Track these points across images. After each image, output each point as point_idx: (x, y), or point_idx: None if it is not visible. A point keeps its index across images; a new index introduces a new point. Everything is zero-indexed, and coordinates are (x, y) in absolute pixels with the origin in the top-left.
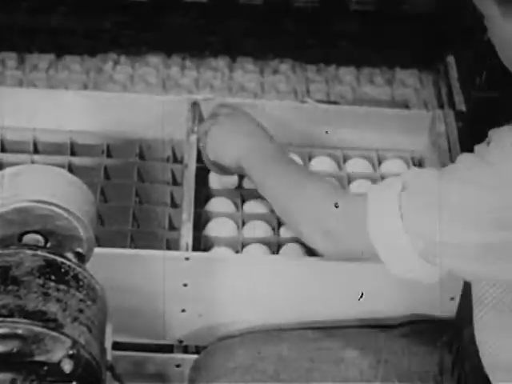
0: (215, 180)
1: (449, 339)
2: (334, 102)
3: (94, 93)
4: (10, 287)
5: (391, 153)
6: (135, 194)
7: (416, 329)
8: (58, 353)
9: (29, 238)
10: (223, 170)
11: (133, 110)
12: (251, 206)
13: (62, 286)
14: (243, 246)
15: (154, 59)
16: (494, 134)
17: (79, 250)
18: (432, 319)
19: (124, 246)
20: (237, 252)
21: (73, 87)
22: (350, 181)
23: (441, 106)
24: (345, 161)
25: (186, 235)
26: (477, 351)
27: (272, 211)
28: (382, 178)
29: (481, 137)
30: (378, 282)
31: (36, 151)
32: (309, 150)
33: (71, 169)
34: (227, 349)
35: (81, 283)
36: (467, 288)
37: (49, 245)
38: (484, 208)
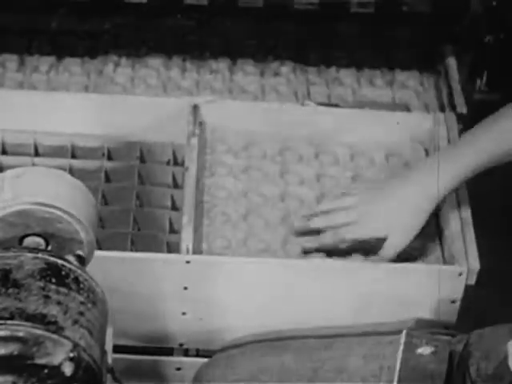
0: None
1: (452, 344)
2: (335, 105)
3: (94, 95)
4: (11, 290)
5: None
6: (136, 196)
7: (418, 334)
8: (59, 356)
9: (29, 241)
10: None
11: (133, 112)
12: None
13: (62, 289)
14: None
15: (155, 61)
16: None
17: (80, 252)
18: (433, 324)
19: (125, 249)
20: None
21: (73, 89)
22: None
23: (441, 108)
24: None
25: (187, 238)
26: (480, 355)
27: None
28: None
29: None
30: (379, 285)
31: (37, 154)
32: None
33: (72, 172)
34: (229, 360)
35: (81, 286)
36: (468, 291)
37: (49, 247)
38: None
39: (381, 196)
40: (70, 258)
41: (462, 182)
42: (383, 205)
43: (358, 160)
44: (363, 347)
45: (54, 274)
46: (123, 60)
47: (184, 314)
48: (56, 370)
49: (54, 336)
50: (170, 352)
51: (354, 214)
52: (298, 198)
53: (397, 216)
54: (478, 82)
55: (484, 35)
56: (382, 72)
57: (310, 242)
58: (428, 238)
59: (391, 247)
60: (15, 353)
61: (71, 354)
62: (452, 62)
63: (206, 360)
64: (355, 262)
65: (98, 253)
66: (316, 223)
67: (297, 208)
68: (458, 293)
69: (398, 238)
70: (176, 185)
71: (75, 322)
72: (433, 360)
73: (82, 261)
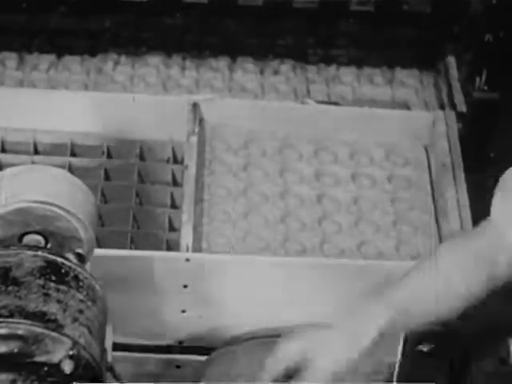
0: None
1: (452, 341)
2: (335, 103)
3: (94, 93)
4: (11, 288)
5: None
6: (135, 194)
7: (419, 331)
8: (59, 353)
9: (29, 239)
10: None
11: (133, 110)
12: None
13: (62, 287)
14: None
15: (154, 59)
16: None
17: (79, 250)
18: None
19: (124, 247)
20: None
21: (73, 88)
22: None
23: (441, 106)
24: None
25: (186, 236)
26: (482, 352)
27: None
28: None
29: (481, 138)
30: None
31: (36, 152)
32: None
33: (71, 170)
34: (230, 356)
35: (81, 284)
36: None
37: (49, 245)
38: None
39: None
40: (70, 255)
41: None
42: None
43: (357, 158)
44: None
45: (53, 271)
46: (123, 58)
47: (183, 311)
48: (56, 367)
49: (54, 334)
50: (169, 350)
51: None
52: (298, 196)
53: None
54: (478, 80)
55: (483, 34)
56: (382, 70)
57: None
58: (427, 237)
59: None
60: (15, 350)
61: (71, 352)
62: (452, 61)
63: (205, 358)
64: (355, 261)
65: (97, 251)
66: None
67: (297, 206)
68: None
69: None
70: (176, 183)
71: (75, 319)
72: (433, 356)
73: (82, 259)
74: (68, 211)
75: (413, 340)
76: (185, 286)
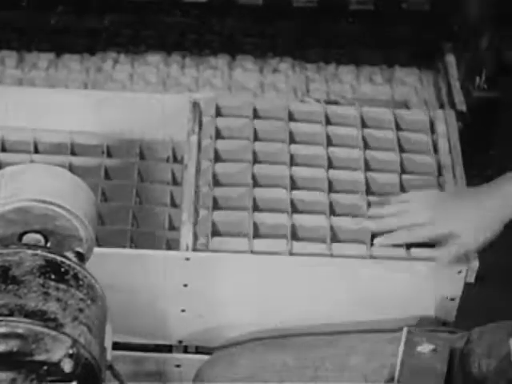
0: None
1: (452, 342)
2: (334, 102)
3: (93, 92)
4: (10, 286)
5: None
6: (135, 193)
7: (419, 332)
8: (58, 352)
9: (29, 238)
10: None
11: (133, 109)
12: None
13: (61, 286)
14: None
15: (154, 58)
16: None
17: (79, 249)
18: (433, 322)
19: (124, 246)
20: None
21: (72, 86)
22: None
23: (441, 106)
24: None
25: (186, 235)
26: (482, 353)
27: None
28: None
29: (481, 137)
30: (378, 283)
31: (36, 151)
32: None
33: (71, 169)
34: (229, 358)
35: (81, 282)
36: (467, 289)
37: (49, 244)
38: None
39: (463, 202)
40: (70, 254)
41: None
42: (465, 210)
43: None
44: (364, 345)
45: (53, 270)
46: (122, 57)
47: (183, 311)
48: (55, 366)
49: (54, 333)
50: (169, 349)
51: (427, 215)
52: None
53: (479, 222)
54: (478, 79)
55: (483, 32)
56: (381, 69)
57: (383, 239)
58: None
59: (462, 246)
60: (15, 349)
61: (70, 351)
62: (451, 60)
63: (205, 357)
64: (355, 260)
65: (97, 250)
66: (390, 224)
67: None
68: (457, 290)
69: (472, 240)
70: (175, 182)
71: (75, 318)
72: (433, 358)
73: (82, 257)
74: (68, 210)
75: (414, 342)
76: (185, 285)
